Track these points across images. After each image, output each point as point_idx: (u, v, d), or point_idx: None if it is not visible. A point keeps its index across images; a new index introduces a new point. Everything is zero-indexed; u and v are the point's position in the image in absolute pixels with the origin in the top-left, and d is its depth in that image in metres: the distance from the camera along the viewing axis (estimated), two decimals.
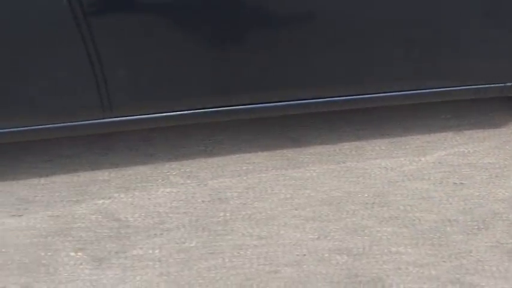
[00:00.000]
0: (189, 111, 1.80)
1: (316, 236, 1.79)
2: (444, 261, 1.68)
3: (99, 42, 1.62)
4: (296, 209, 1.90)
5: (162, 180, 2.01)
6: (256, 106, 1.92)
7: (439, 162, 2.13)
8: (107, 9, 1.65)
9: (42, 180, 2.01)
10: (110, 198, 1.94)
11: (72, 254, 1.74)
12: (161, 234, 1.80)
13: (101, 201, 1.92)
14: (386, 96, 2.07)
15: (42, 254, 1.74)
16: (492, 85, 2.11)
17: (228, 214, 1.87)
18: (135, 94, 1.72)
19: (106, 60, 1.63)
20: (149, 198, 1.93)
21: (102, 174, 2.04)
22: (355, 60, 1.99)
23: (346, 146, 2.21)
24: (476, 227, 1.81)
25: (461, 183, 2.02)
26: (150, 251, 1.74)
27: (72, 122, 1.76)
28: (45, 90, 1.74)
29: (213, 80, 1.80)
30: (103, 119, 1.74)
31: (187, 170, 2.07)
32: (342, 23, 1.87)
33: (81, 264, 1.70)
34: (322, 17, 1.85)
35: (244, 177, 2.04)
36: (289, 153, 2.17)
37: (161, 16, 1.72)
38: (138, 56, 1.68)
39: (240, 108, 1.84)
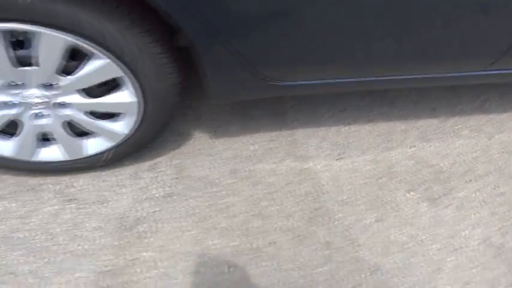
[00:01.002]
0: None
1: None
2: None
3: None
4: None
5: (453, 133, 2.28)
6: None
7: None
8: None
9: (347, 128, 2.27)
10: (414, 146, 2.22)
11: (407, 194, 2.05)
12: (475, 179, 2.10)
13: (409, 149, 2.20)
14: None
15: (380, 193, 2.05)
16: None
17: None
18: None
19: None
20: (450, 149, 2.21)
21: (398, 125, 2.29)
22: None
23: None
24: None
25: None
26: (473, 194, 2.05)
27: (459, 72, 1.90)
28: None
29: None
30: (483, 71, 1.88)
31: (471, 124, 2.32)
32: None
33: (417, 203, 2.02)
34: None
35: None
36: None
37: None
38: None
39: None
